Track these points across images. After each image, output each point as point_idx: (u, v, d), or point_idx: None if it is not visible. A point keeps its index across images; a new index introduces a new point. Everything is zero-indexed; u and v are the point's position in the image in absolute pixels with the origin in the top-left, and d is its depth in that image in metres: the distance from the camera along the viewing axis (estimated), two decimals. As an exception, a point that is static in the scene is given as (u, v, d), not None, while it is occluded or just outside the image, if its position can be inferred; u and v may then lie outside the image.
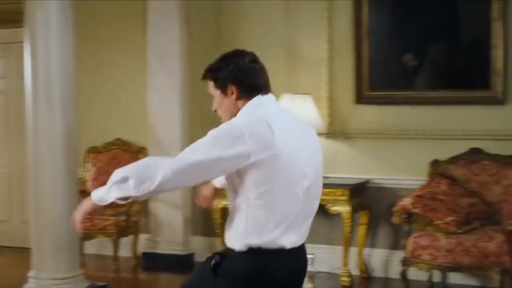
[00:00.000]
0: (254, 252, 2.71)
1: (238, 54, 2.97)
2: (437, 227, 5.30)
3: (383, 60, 6.05)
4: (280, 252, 2.73)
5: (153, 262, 6.63)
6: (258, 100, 2.86)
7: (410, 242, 5.28)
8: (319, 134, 6.00)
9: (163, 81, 6.57)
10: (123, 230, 6.56)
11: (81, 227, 2.79)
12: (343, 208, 5.79)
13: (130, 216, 6.62)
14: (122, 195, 2.70)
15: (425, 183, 5.68)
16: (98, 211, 2.84)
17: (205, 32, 6.66)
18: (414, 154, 5.93)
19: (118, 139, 7.03)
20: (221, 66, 2.93)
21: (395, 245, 6.01)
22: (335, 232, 6.12)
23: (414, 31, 5.91)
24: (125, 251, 6.76)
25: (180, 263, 6.51)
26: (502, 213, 5.55)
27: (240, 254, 2.73)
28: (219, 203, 6.05)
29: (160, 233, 6.70)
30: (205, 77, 2.99)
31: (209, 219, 6.39)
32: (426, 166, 5.84)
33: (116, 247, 6.50)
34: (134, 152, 6.84)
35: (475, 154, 5.75)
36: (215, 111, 2.94)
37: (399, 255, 5.56)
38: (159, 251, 6.66)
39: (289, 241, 2.74)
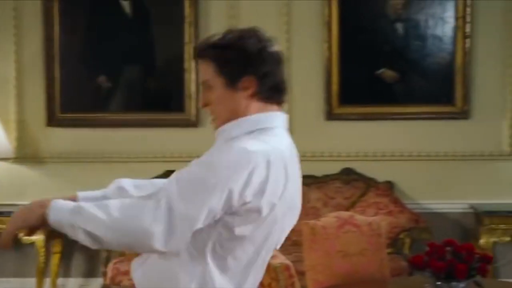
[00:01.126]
0: None
1: (259, 34, 2.07)
2: (140, 252, 5.25)
3: (76, 82, 5.85)
4: None
5: None
6: (280, 117, 2.09)
7: (110, 269, 5.13)
8: (6, 159, 5.66)
9: None
10: None
11: (7, 242, 2.02)
12: (37, 237, 5.45)
13: None
14: (96, 247, 1.99)
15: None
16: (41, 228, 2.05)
17: None
18: (111, 177, 5.74)
19: None
20: (234, 43, 2.03)
21: (92, 273, 5.81)
22: (27, 263, 5.76)
23: (108, 52, 5.81)
24: None
25: None
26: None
27: None
28: None
29: None
30: (201, 54, 2.08)
31: None
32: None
33: None
34: None
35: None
36: (204, 106, 2.11)
37: (98, 282, 5.40)
38: None
39: None
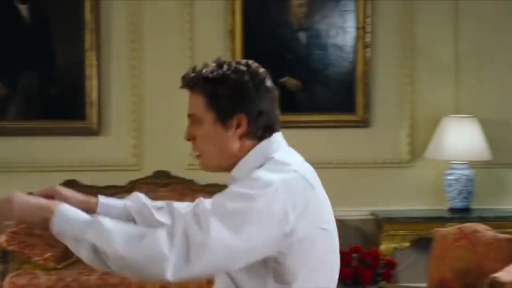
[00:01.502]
0: None
1: (254, 68, 1.96)
2: (36, 264, 5.14)
3: None
4: None
5: None
6: (279, 137, 2.00)
7: (7, 283, 4.97)
8: None
9: None
10: None
11: None
12: None
13: None
14: (97, 266, 1.81)
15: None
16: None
17: None
18: (9, 188, 5.51)
19: None
20: (228, 77, 1.91)
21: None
22: None
23: (5, 58, 5.62)
24: None
25: None
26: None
27: None
28: None
29: None
30: (190, 86, 1.93)
31: None
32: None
33: None
34: None
35: (71, 186, 5.62)
36: (189, 139, 1.97)
37: (-5, 297, 5.20)
38: None
39: None
